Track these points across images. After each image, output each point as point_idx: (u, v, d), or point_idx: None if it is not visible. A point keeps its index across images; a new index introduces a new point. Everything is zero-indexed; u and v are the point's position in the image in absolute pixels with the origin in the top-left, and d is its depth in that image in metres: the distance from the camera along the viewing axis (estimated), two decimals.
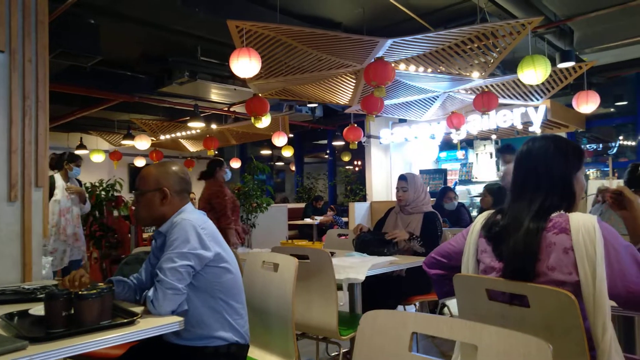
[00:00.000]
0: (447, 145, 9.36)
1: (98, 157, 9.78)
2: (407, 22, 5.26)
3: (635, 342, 1.96)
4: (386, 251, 2.88)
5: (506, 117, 7.29)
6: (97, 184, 5.30)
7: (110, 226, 5.13)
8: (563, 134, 7.64)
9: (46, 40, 2.45)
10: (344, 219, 8.69)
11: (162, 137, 9.50)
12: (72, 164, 4.43)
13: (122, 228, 5.16)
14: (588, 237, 1.26)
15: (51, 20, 2.74)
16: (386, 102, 6.31)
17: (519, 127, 7.31)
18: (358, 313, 2.61)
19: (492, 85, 5.93)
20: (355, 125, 6.87)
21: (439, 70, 5.12)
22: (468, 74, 5.22)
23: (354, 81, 5.58)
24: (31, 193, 2.38)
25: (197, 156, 12.01)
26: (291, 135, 9.16)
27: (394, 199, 3.33)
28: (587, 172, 8.74)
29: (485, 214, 1.53)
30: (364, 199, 9.12)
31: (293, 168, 12.77)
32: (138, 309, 1.50)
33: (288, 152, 8.98)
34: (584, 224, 1.28)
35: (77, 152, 9.84)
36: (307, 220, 9.07)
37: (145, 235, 5.45)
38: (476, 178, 8.60)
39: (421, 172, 9.03)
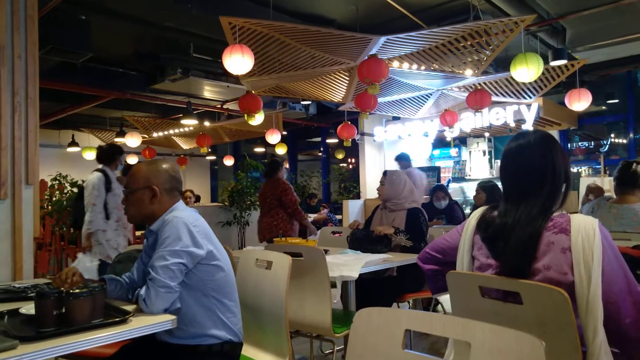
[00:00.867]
0: (440, 142, 9.39)
1: (90, 155, 9.70)
2: (401, 19, 5.26)
3: None
4: (379, 248, 2.89)
5: (499, 115, 7.32)
6: None
7: None
8: (555, 132, 7.69)
9: (36, 36, 2.43)
10: (338, 217, 8.70)
11: (154, 135, 9.44)
12: (120, 157, 4.28)
13: None
14: (587, 240, 1.26)
15: (41, 16, 2.71)
16: (380, 100, 6.31)
17: (512, 124, 7.34)
18: (352, 310, 2.62)
19: (485, 83, 5.95)
20: (349, 122, 6.87)
21: (432, 68, 5.13)
22: (461, 71, 5.23)
23: (348, 78, 5.58)
24: (21, 191, 2.35)
25: (190, 153, 11.95)
26: (285, 133, 9.14)
27: None
28: (579, 170, 8.81)
29: (480, 210, 1.53)
30: (357, 196, 9.13)
31: (287, 165, 12.75)
32: (130, 308, 1.49)
33: (282, 150, 8.96)
34: (584, 226, 1.28)
35: (69, 149, 9.79)
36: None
37: (138, 234, 5.41)
38: (469, 176, 8.64)
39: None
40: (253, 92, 5.45)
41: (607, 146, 8.72)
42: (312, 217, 8.75)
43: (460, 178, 8.48)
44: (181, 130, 9.05)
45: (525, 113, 6.99)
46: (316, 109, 8.40)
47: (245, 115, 5.29)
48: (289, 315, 1.95)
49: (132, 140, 8.40)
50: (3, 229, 2.29)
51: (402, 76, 5.54)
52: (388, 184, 3.20)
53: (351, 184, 9.73)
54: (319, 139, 11.45)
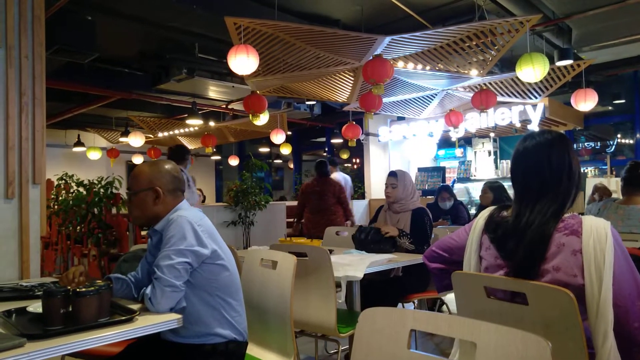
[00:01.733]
0: (445, 143, 9.37)
1: (95, 155, 9.76)
2: (406, 19, 5.25)
3: None
4: (387, 248, 2.88)
5: (504, 115, 7.30)
6: (95, 182, 5.28)
7: (108, 224, 5.11)
8: (561, 132, 7.64)
9: (43, 37, 2.44)
10: None
11: (160, 135, 9.47)
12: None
13: (120, 225, 5.14)
14: (599, 243, 1.24)
15: (48, 17, 2.72)
16: (384, 100, 6.31)
17: (517, 125, 7.32)
18: (357, 311, 2.61)
19: (490, 83, 5.93)
20: (354, 122, 6.87)
21: (437, 68, 5.12)
22: (466, 71, 5.22)
23: (352, 79, 5.58)
24: (28, 190, 2.37)
25: (195, 153, 11.98)
26: (289, 133, 9.15)
27: None
28: (585, 170, 8.76)
29: (488, 210, 1.51)
30: (362, 196, 9.12)
31: (291, 166, 12.77)
32: (136, 307, 1.50)
33: (286, 150, 8.97)
34: (596, 229, 1.26)
35: (75, 149, 9.84)
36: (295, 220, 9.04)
37: (143, 233, 5.44)
38: (474, 176, 8.61)
39: (419, 170, 9.03)
40: (258, 92, 5.46)
41: (614, 147, 8.67)
42: None
43: (465, 178, 8.46)
44: (186, 130, 9.08)
45: (531, 113, 6.96)
46: (321, 109, 8.40)
47: (250, 116, 5.29)
48: (293, 314, 1.95)
49: (136, 140, 8.44)
50: (10, 228, 2.31)
51: (407, 76, 5.53)
52: (401, 186, 3.14)
53: (356, 184, 9.72)
54: (323, 139, 11.45)
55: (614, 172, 6.65)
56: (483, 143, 9.10)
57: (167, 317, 1.45)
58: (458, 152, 9.30)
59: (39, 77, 2.41)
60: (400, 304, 3.00)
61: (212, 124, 8.66)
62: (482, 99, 5.19)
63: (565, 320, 1.23)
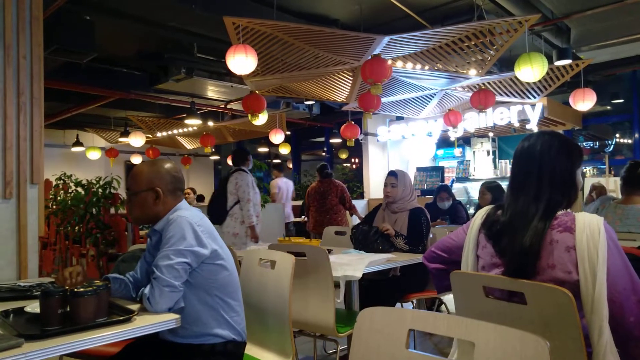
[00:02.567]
0: (444, 142, 9.38)
1: (94, 155, 9.74)
2: (404, 19, 5.25)
3: None
4: (386, 248, 2.88)
5: (503, 115, 7.31)
6: (93, 181, 5.28)
7: (107, 224, 5.11)
8: (560, 132, 7.66)
9: (41, 36, 2.44)
10: None
11: (158, 134, 9.46)
12: (250, 158, 4.81)
13: (119, 225, 5.13)
14: (592, 239, 1.25)
15: (46, 16, 2.72)
16: (383, 100, 6.31)
17: (516, 124, 7.32)
18: (355, 310, 2.61)
19: (489, 83, 5.94)
20: (353, 122, 6.87)
21: (436, 68, 5.12)
22: (465, 71, 5.22)
23: (351, 78, 5.58)
24: (26, 190, 2.36)
25: (193, 153, 11.98)
26: (288, 133, 9.14)
27: None
28: (584, 170, 8.77)
29: (485, 209, 1.53)
30: (361, 196, 9.12)
31: (290, 165, 12.76)
32: (134, 307, 1.49)
33: (285, 150, 8.97)
34: (589, 225, 1.27)
35: (73, 149, 9.83)
36: (305, 218, 9.05)
37: (142, 233, 5.43)
38: (473, 176, 8.61)
39: (418, 169, 9.03)
40: (257, 92, 5.46)
41: (612, 146, 8.68)
42: None
43: (464, 178, 8.46)
44: (185, 130, 9.07)
45: (530, 113, 6.96)
46: (320, 109, 8.40)
47: (249, 115, 5.29)
48: (292, 314, 1.95)
49: (136, 140, 8.43)
50: (8, 228, 2.30)
51: (406, 76, 5.53)
52: (401, 185, 3.13)
53: (355, 184, 9.73)
54: (322, 139, 11.45)
55: (613, 172, 6.65)
56: (482, 143, 9.10)
57: (166, 317, 1.44)
58: (457, 151, 9.31)
59: (37, 77, 2.41)
60: (398, 304, 3.00)
61: (210, 123, 8.65)
62: (481, 98, 5.19)
63: (564, 319, 1.23)
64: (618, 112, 8.39)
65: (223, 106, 8.37)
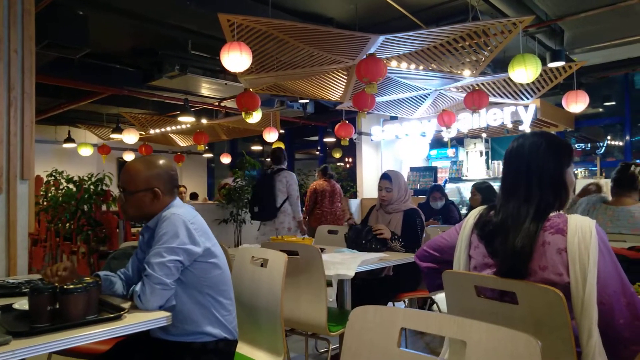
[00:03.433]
0: (437, 143, 9.41)
1: (86, 151, 9.66)
2: (400, 19, 5.26)
3: None
4: (378, 247, 2.88)
5: (496, 116, 7.34)
6: (85, 178, 5.23)
7: (98, 221, 5.07)
8: (550, 132, 7.70)
9: (33, 30, 2.41)
10: None
11: (151, 132, 9.41)
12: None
13: (110, 222, 5.10)
14: (583, 241, 1.25)
15: (38, 11, 2.69)
16: (377, 99, 6.32)
17: (509, 125, 7.36)
18: (347, 309, 2.61)
19: (482, 84, 5.96)
20: (347, 121, 6.87)
21: (430, 68, 5.13)
22: (459, 72, 5.24)
23: (346, 77, 5.57)
24: (16, 186, 2.34)
25: (187, 151, 11.92)
26: (282, 131, 9.13)
27: None
28: (576, 172, 8.84)
29: (478, 209, 1.53)
30: (354, 195, 9.13)
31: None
32: (125, 304, 1.48)
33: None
34: (581, 227, 1.27)
35: (65, 145, 9.75)
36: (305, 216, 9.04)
37: (133, 230, 5.40)
38: (466, 176, 8.65)
39: (411, 169, 9.06)
40: (251, 89, 5.44)
41: (604, 148, 8.75)
42: None
43: (457, 178, 8.50)
44: (178, 127, 9.03)
45: (523, 114, 7.00)
46: (314, 107, 8.39)
47: (243, 113, 5.27)
48: (284, 313, 1.95)
49: (130, 137, 8.37)
50: None
51: (400, 76, 5.54)
52: (396, 188, 3.11)
53: (348, 183, 9.73)
54: (316, 138, 11.44)
55: (604, 174, 6.71)
56: (475, 143, 9.15)
57: (157, 315, 1.43)
58: (450, 152, 9.34)
59: (28, 72, 2.38)
60: (390, 303, 3.00)
61: (204, 121, 8.61)
62: (475, 99, 5.21)
63: (555, 319, 1.24)
64: (610, 115, 8.46)
65: (217, 104, 8.34)
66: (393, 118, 8.69)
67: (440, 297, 3.07)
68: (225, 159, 10.74)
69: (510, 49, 4.94)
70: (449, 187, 7.75)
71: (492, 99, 6.11)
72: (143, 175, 1.67)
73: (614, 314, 1.25)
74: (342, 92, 6.08)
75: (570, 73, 5.56)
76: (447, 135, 7.63)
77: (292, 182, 4.95)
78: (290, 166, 12.21)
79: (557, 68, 5.49)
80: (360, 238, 2.92)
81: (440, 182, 8.29)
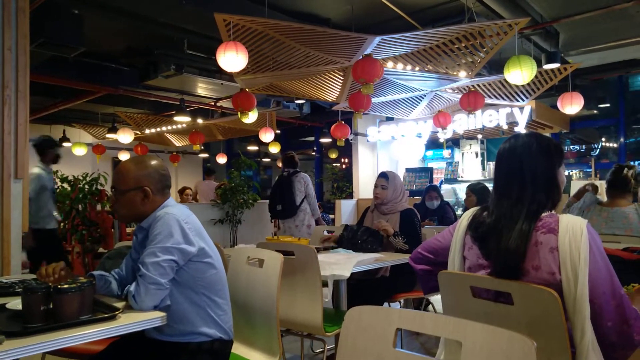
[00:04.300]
0: (433, 144, 9.42)
1: (80, 151, 9.62)
2: (396, 20, 5.27)
3: None
4: (374, 247, 2.88)
5: (492, 117, 7.37)
6: (80, 178, 5.21)
7: (93, 220, 5.05)
8: (547, 135, 7.74)
9: (27, 29, 2.40)
10: (331, 216, 8.70)
11: (147, 131, 9.37)
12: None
13: (105, 222, 5.08)
14: (574, 240, 1.26)
15: (33, 9, 2.68)
16: (374, 100, 6.32)
17: (505, 127, 7.39)
18: (343, 310, 2.61)
19: (478, 85, 5.98)
20: (343, 122, 6.87)
21: (426, 69, 5.14)
22: (455, 73, 5.25)
23: (342, 78, 5.58)
24: (10, 185, 2.32)
25: (182, 151, 11.88)
26: (278, 132, 9.12)
27: None
28: (570, 173, 8.88)
29: (472, 210, 1.53)
30: (350, 196, 9.13)
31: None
32: (119, 304, 1.47)
33: (275, 149, 8.94)
34: (572, 227, 1.28)
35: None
36: None
37: (128, 230, 5.38)
38: (462, 177, 8.67)
39: (407, 170, 9.07)
40: (247, 89, 5.43)
41: (598, 150, 8.80)
42: None
43: (452, 179, 8.52)
44: (174, 127, 9.00)
45: (518, 116, 7.03)
46: (310, 108, 8.39)
47: (239, 113, 5.27)
48: (279, 313, 1.94)
49: (125, 136, 8.34)
50: None
51: (396, 77, 5.55)
52: (391, 187, 3.11)
53: (344, 184, 9.73)
54: (312, 138, 11.44)
55: (598, 175, 6.74)
56: (470, 144, 9.17)
57: (151, 315, 1.42)
58: (446, 153, 9.37)
59: (22, 70, 2.37)
60: (386, 304, 3.00)
61: (200, 121, 8.59)
62: (470, 100, 5.23)
63: (550, 320, 1.24)
64: (604, 116, 8.51)
65: (213, 104, 8.32)
66: (389, 119, 8.70)
67: (435, 298, 3.08)
68: (221, 159, 10.71)
69: (506, 50, 4.96)
70: (445, 188, 7.77)
71: (487, 101, 6.13)
72: (133, 174, 1.68)
73: (603, 314, 1.25)
74: (338, 93, 6.08)
75: (565, 75, 5.58)
76: (442, 136, 7.65)
77: (309, 183, 5.38)
78: None
79: (552, 70, 5.52)
80: (356, 238, 2.91)
81: (435, 182, 8.31)
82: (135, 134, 9.09)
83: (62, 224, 5.19)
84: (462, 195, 7.32)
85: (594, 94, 7.93)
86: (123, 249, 2.07)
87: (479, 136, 8.55)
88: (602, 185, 5.96)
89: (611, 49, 6.37)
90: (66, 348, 1.24)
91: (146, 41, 5.93)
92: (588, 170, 8.25)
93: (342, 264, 2.40)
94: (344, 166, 11.72)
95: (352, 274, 2.35)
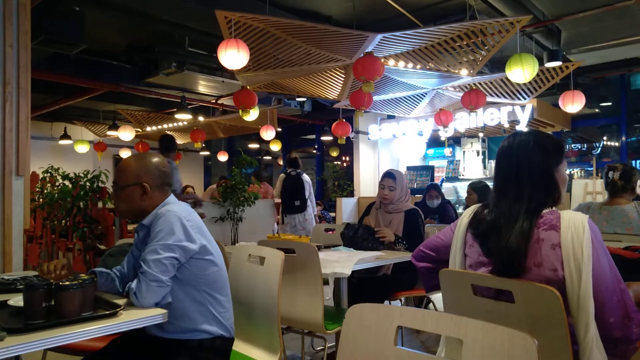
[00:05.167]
0: (434, 142, 9.42)
1: (82, 148, 9.63)
2: (397, 17, 5.26)
3: None
4: (370, 246, 2.87)
5: (493, 116, 7.36)
6: (81, 175, 5.21)
7: (94, 218, 5.04)
8: (541, 131, 7.72)
9: (28, 26, 2.40)
10: (332, 214, 8.70)
11: (148, 129, 9.37)
12: None
13: (106, 220, 5.07)
14: (576, 236, 1.25)
15: (34, 6, 2.67)
16: (375, 98, 6.31)
17: (506, 125, 7.38)
18: (344, 308, 2.61)
19: (480, 83, 5.97)
20: (344, 120, 6.86)
21: (427, 67, 5.13)
22: (457, 71, 5.24)
23: (343, 76, 5.57)
24: (11, 182, 2.32)
25: (183, 148, 11.89)
26: (279, 130, 9.12)
27: None
28: (571, 172, 8.87)
29: (473, 207, 1.53)
30: (351, 194, 9.13)
31: (281, 162, 12.73)
32: (121, 301, 1.47)
33: (276, 146, 8.94)
34: (574, 223, 1.28)
35: (61, 142, 9.70)
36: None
37: (130, 227, 5.38)
38: (463, 175, 8.67)
39: (408, 168, 9.07)
40: (248, 87, 5.43)
41: (600, 149, 8.78)
42: None
43: (453, 178, 8.51)
44: (175, 124, 9.01)
45: (520, 114, 7.02)
46: (311, 106, 8.39)
47: (240, 111, 5.26)
48: (280, 311, 1.95)
49: (126, 134, 8.34)
50: None
51: (398, 75, 5.54)
52: (399, 187, 3.07)
53: (345, 182, 9.73)
54: (313, 136, 11.43)
55: (600, 174, 6.73)
56: (472, 143, 9.17)
57: (152, 312, 1.42)
58: (447, 151, 9.36)
59: (24, 67, 2.37)
60: (387, 302, 3.00)
61: (201, 119, 8.60)
62: (472, 98, 5.22)
63: (551, 318, 1.24)
64: (606, 115, 8.49)
65: (214, 101, 8.32)
66: (390, 117, 8.70)
67: (436, 297, 3.08)
68: (222, 157, 10.72)
69: (508, 48, 4.95)
70: (446, 187, 7.76)
71: (489, 99, 6.12)
72: (133, 170, 1.69)
73: (605, 310, 1.25)
74: (339, 91, 6.07)
75: (567, 73, 5.57)
76: (444, 135, 7.64)
77: (310, 182, 6.15)
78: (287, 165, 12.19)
79: (554, 68, 5.50)
80: (357, 237, 2.91)
81: (437, 181, 8.30)
82: (137, 131, 9.09)
83: (63, 222, 5.20)
84: (463, 194, 7.31)
85: (595, 92, 7.92)
86: (124, 247, 2.07)
87: (480, 134, 8.54)
88: (602, 184, 5.95)
89: (613, 47, 6.36)
90: (67, 345, 1.24)
91: (147, 38, 5.93)
92: (589, 169, 8.24)
93: (343, 261, 2.40)
94: (345, 164, 11.72)
95: (353, 272, 2.35)
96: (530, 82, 5.51)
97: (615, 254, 1.73)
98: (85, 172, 5.24)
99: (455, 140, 9.38)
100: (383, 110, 7.56)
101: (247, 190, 6.39)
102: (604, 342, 1.26)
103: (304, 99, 7.93)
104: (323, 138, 9.95)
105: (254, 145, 12.48)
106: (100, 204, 5.24)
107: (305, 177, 6.12)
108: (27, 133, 2.40)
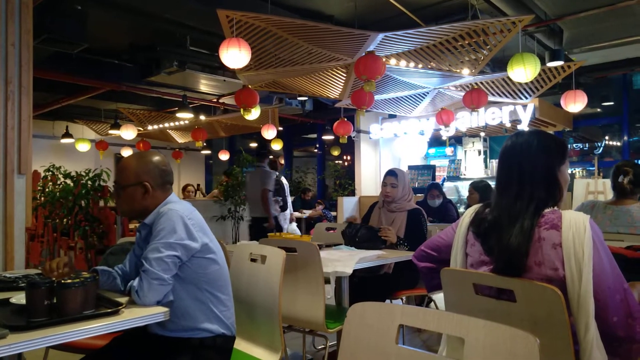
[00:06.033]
0: (436, 141, 9.41)
1: (84, 147, 9.64)
2: (399, 17, 5.25)
3: None
4: (372, 245, 2.87)
5: (495, 115, 7.35)
6: (82, 174, 5.22)
7: (96, 216, 5.06)
8: (544, 130, 7.71)
9: (30, 24, 2.40)
10: (333, 213, 8.70)
11: (149, 128, 9.38)
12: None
13: (108, 218, 5.09)
14: (577, 236, 1.26)
15: (36, 5, 2.67)
16: (376, 97, 6.31)
17: (508, 125, 7.37)
18: (345, 306, 2.61)
19: (481, 83, 5.96)
20: (345, 119, 6.86)
21: (429, 66, 5.12)
22: (458, 70, 5.23)
23: (345, 75, 5.56)
24: (14, 180, 2.33)
25: (185, 147, 11.89)
26: (281, 129, 9.11)
27: None
28: (573, 171, 8.86)
29: (474, 207, 1.53)
30: (352, 193, 9.13)
31: (282, 162, 12.73)
32: (123, 299, 1.48)
33: (277, 146, 8.94)
34: (575, 222, 1.28)
35: (63, 141, 9.71)
36: (296, 214, 9.05)
37: (131, 226, 5.39)
38: (464, 175, 8.66)
39: (410, 168, 9.06)
40: (249, 86, 5.43)
41: (602, 148, 8.77)
42: (307, 213, 8.76)
43: (455, 177, 8.51)
44: (176, 123, 9.00)
45: (521, 113, 7.01)
46: (312, 105, 8.38)
47: (242, 110, 5.26)
48: (282, 310, 1.95)
49: (128, 132, 8.34)
50: None
51: (399, 74, 5.53)
52: (401, 185, 3.08)
53: (346, 181, 9.73)
54: (314, 135, 11.43)
55: (602, 174, 6.72)
56: (473, 142, 9.16)
57: (154, 310, 1.43)
58: (448, 150, 9.35)
59: (25, 66, 2.37)
60: (388, 301, 3.00)
61: (202, 117, 8.59)
62: (473, 98, 5.21)
63: (553, 317, 1.24)
64: (608, 115, 8.48)
65: (215, 100, 8.32)
66: (392, 116, 8.69)
67: (438, 296, 3.07)
68: (224, 156, 10.72)
69: (509, 48, 4.94)
70: (447, 186, 7.76)
71: (490, 98, 6.11)
72: (133, 170, 1.69)
73: (608, 310, 1.25)
74: (340, 90, 6.07)
75: (568, 73, 5.56)
76: (445, 134, 7.63)
77: (287, 185, 6.56)
78: (289, 164, 12.21)
79: (555, 68, 5.49)
80: (358, 237, 2.91)
81: (438, 180, 8.30)
82: (138, 130, 9.09)
83: (65, 220, 5.21)
84: (465, 193, 7.30)
85: (597, 92, 7.90)
86: (126, 245, 2.07)
87: (482, 134, 8.53)
88: (605, 184, 5.94)
89: (615, 47, 6.34)
90: (69, 342, 1.24)
91: (149, 37, 5.93)
92: (591, 168, 8.23)
93: (344, 260, 2.40)
94: (346, 163, 11.72)
95: (354, 270, 2.35)
96: (532, 82, 5.50)
97: (616, 253, 1.73)
98: (86, 171, 5.25)
99: (457, 140, 9.38)
100: (384, 109, 7.55)
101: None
102: (608, 342, 1.26)
103: (306, 98, 7.93)
104: (324, 137, 9.94)
105: (255, 145, 12.47)
106: (101, 203, 5.25)
107: (285, 180, 6.53)
108: (29, 132, 2.40)
